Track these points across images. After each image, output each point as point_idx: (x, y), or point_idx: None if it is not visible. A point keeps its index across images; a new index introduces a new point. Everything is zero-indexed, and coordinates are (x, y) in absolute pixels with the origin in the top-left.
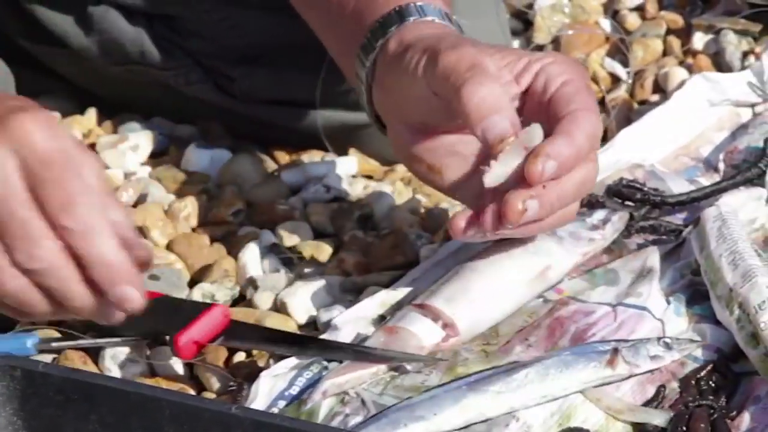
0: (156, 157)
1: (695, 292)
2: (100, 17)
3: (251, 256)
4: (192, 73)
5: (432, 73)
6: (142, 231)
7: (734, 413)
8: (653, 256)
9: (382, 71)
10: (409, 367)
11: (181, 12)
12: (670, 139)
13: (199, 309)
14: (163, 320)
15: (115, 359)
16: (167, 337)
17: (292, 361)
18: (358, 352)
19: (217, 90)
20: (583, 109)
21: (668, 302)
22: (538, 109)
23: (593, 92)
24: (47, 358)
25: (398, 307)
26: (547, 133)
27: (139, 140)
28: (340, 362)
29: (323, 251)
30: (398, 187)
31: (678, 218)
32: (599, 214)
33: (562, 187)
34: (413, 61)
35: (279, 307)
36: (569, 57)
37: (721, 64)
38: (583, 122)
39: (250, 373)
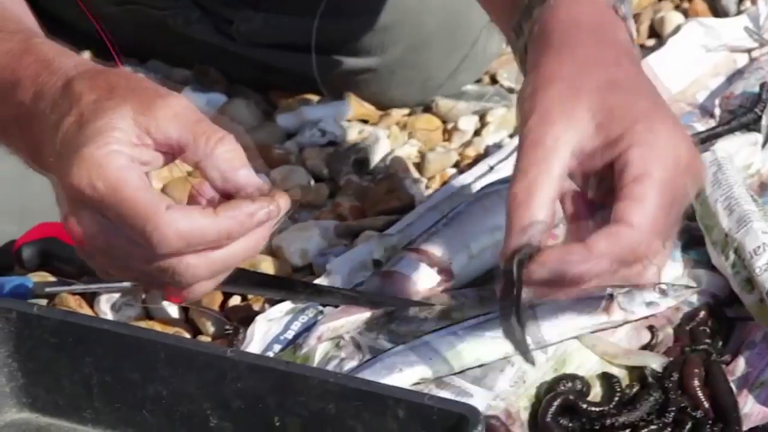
0: None
1: (691, 237)
2: None
3: None
4: (191, 14)
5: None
6: None
7: (729, 358)
8: None
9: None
10: (404, 311)
11: None
12: (665, 85)
13: None
14: None
15: (110, 303)
16: None
17: (288, 305)
18: (350, 296)
19: (216, 31)
20: (628, 225)
21: None
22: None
23: (673, 196)
24: (42, 302)
25: (393, 251)
26: None
27: None
28: (336, 306)
29: (319, 195)
30: (393, 132)
31: None
32: None
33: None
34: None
35: (274, 251)
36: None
37: (717, 9)
38: (615, 239)
39: (246, 317)
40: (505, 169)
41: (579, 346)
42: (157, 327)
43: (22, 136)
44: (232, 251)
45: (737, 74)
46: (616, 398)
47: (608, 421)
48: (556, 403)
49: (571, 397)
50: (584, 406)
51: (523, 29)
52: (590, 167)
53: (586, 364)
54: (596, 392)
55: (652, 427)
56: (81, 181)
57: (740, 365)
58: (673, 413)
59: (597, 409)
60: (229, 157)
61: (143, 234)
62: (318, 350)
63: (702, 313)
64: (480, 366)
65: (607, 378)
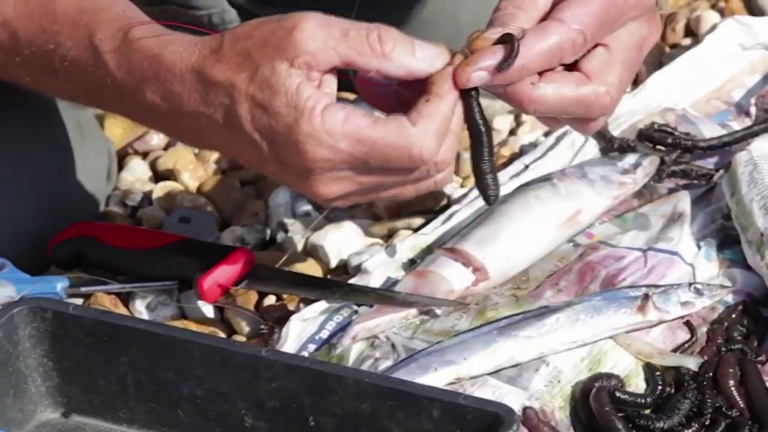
0: None
1: (726, 236)
2: None
3: (281, 199)
4: (226, 14)
5: None
6: (173, 173)
7: (765, 358)
8: (684, 201)
9: None
10: (438, 311)
11: None
12: (701, 83)
13: (223, 252)
14: (188, 263)
15: (145, 302)
16: (193, 280)
17: (322, 304)
18: (384, 296)
19: None
20: (560, 22)
21: (699, 247)
22: None
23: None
24: (77, 302)
25: (428, 251)
26: None
27: None
28: (370, 306)
29: None
30: None
31: (709, 162)
32: (630, 158)
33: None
34: None
35: (309, 251)
36: None
37: (753, 8)
38: (546, 36)
39: (281, 317)
40: (540, 168)
41: (614, 346)
42: (193, 327)
43: (162, 125)
44: (458, 112)
45: None
46: (658, 391)
47: (643, 422)
48: (604, 392)
49: (610, 388)
50: (623, 396)
51: None
52: None
53: (621, 364)
54: (631, 390)
55: (688, 431)
56: (323, 154)
57: None
58: (708, 415)
59: (638, 400)
60: (399, 51)
61: (410, 159)
62: (353, 350)
63: (737, 313)
64: (515, 366)
65: (650, 370)
